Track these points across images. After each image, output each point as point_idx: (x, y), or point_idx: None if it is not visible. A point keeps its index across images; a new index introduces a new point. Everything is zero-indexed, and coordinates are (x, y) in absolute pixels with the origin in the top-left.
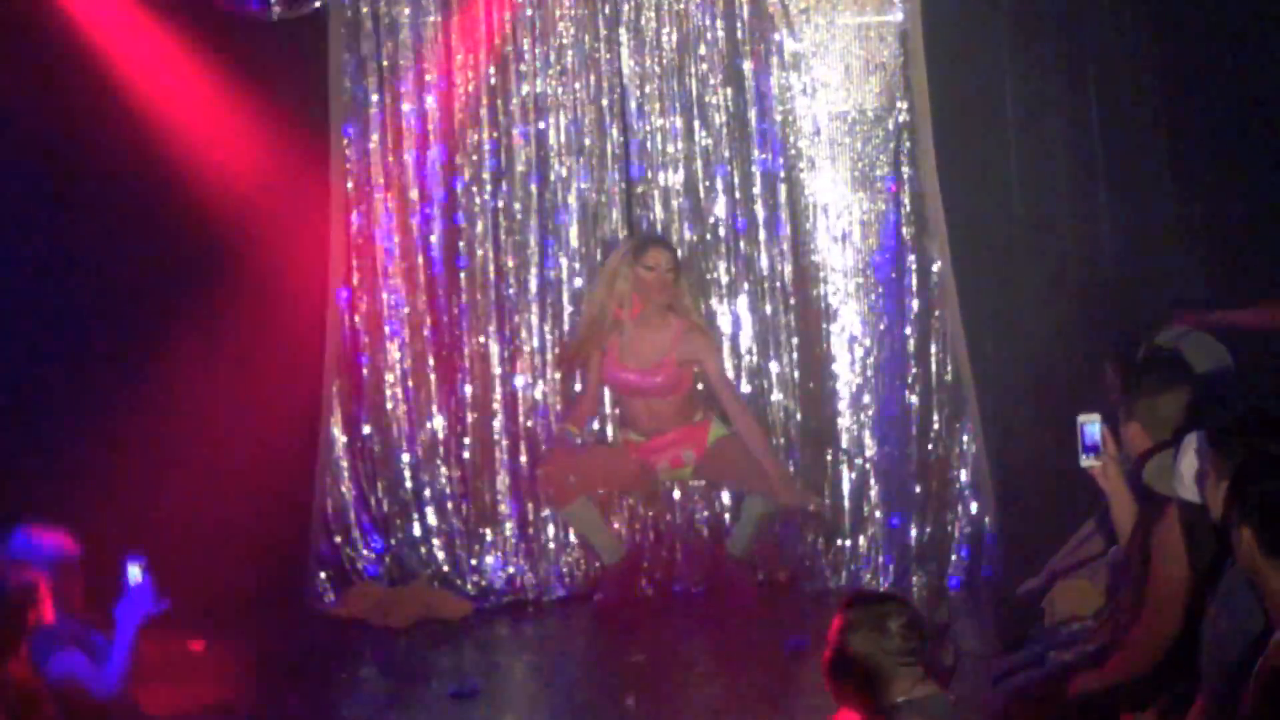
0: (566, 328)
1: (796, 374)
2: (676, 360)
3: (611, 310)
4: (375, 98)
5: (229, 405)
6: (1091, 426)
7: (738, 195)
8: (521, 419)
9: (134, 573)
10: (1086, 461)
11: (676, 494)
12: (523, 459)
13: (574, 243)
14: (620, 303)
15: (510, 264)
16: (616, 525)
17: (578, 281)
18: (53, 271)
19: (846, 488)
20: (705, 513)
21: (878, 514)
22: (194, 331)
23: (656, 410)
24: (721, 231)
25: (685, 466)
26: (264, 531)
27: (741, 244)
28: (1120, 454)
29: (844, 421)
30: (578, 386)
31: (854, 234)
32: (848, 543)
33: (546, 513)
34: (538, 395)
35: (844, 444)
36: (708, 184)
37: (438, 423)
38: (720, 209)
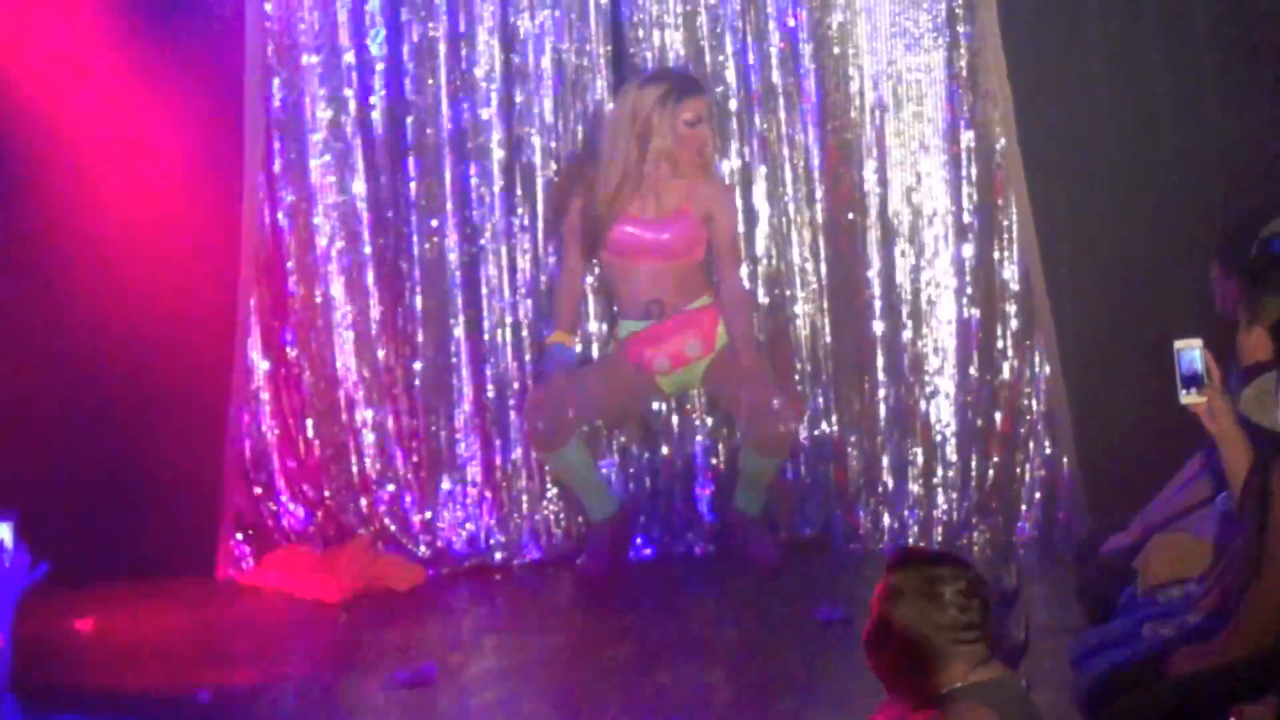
0: (540, 221)
1: (825, 281)
2: (694, 211)
3: (646, 172)
4: None
5: (119, 324)
6: (1191, 354)
7: (751, 58)
8: (486, 336)
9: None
10: (1187, 397)
11: (675, 419)
12: (489, 389)
13: (548, 117)
14: (659, 162)
15: (470, 145)
16: (605, 471)
17: (553, 166)
18: None
19: (889, 421)
20: (712, 458)
21: (925, 454)
22: (73, 233)
23: (661, 278)
24: (732, 104)
25: (692, 364)
26: (166, 482)
27: (757, 119)
28: (1236, 373)
29: (884, 339)
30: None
31: (896, 104)
32: (890, 489)
33: (517, 456)
34: (506, 306)
35: (883, 367)
36: (714, 43)
37: (381, 344)
38: (730, 75)
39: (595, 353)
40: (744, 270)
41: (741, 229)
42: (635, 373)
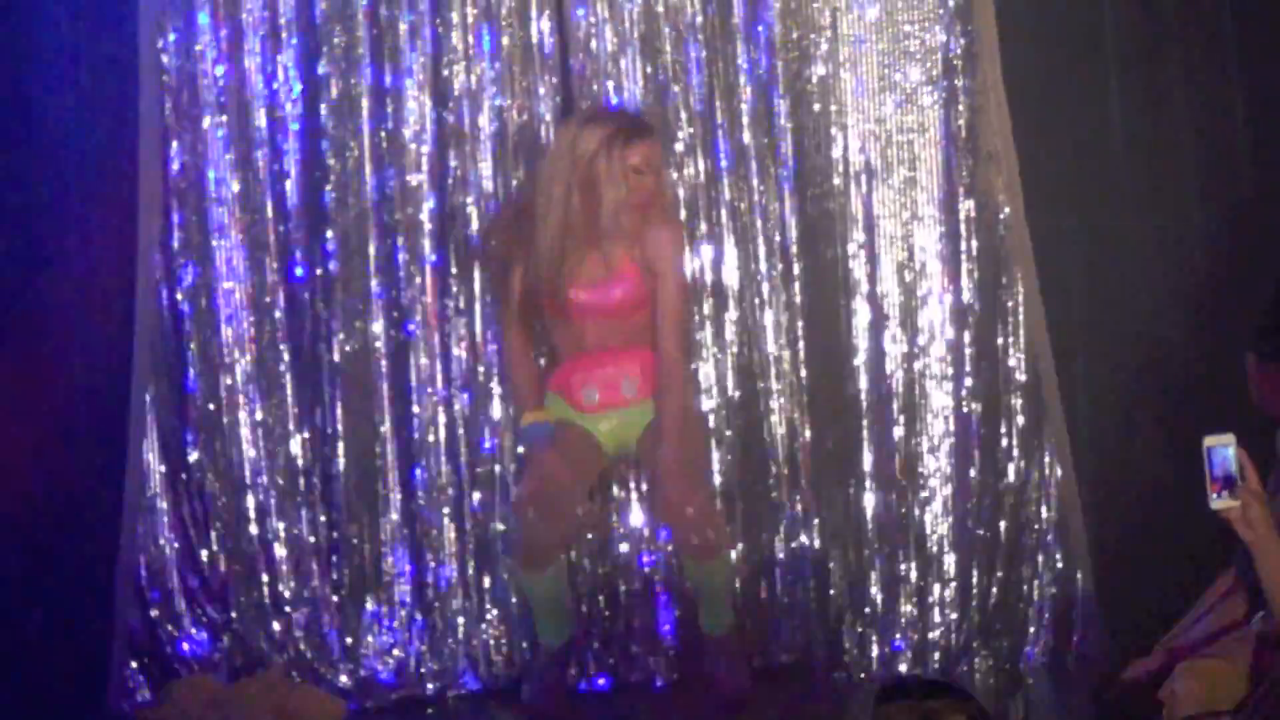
0: (479, 297)
1: (804, 372)
2: (640, 264)
3: (602, 228)
4: None
5: None
6: (1224, 452)
7: (719, 116)
8: (416, 435)
9: None
10: (1219, 502)
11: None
12: (420, 495)
13: (486, 184)
14: (607, 214)
15: (398, 216)
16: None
17: (493, 241)
18: None
19: (877, 532)
20: (676, 574)
21: (919, 569)
22: None
23: (611, 329)
24: (696, 167)
25: (629, 408)
26: (50, 601)
27: (725, 186)
28: (1275, 473)
29: (872, 438)
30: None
31: (886, 169)
32: (879, 609)
33: (453, 572)
34: (440, 399)
35: (871, 470)
36: (676, 100)
37: (296, 444)
38: (694, 135)
39: None
40: (709, 348)
41: (709, 311)
42: (580, 437)
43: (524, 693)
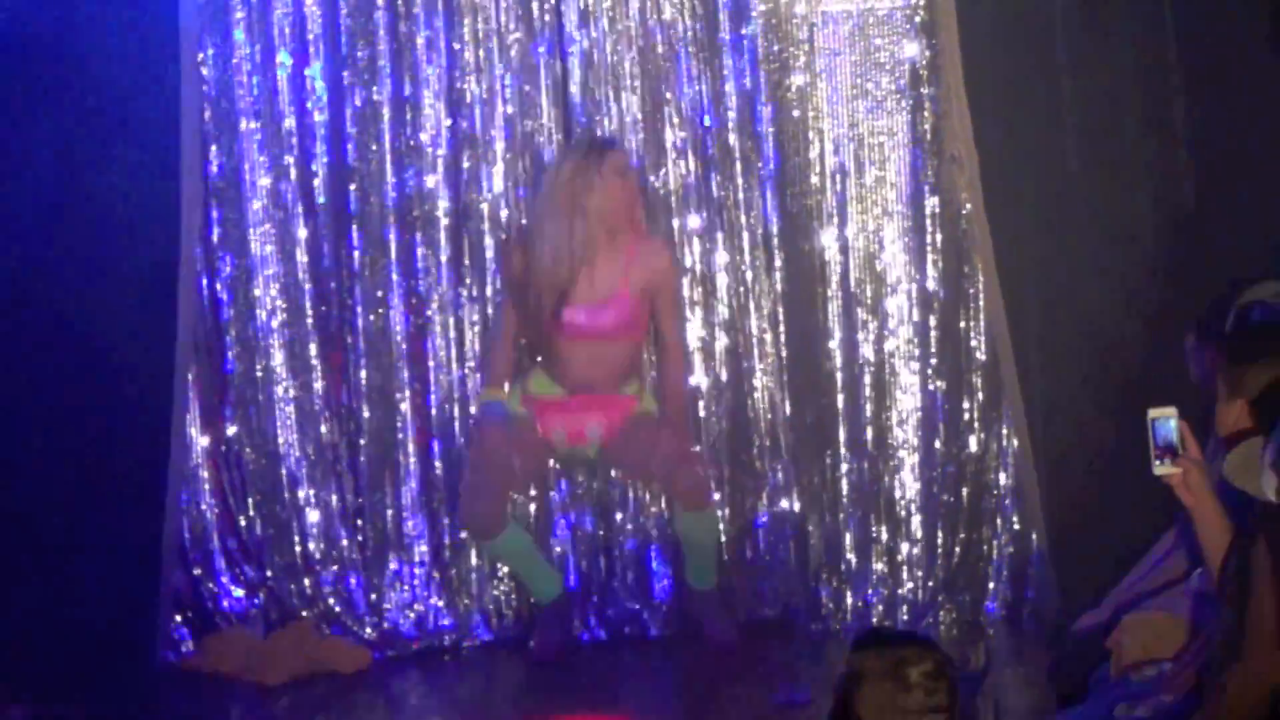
0: (489, 290)
1: (784, 352)
2: (632, 288)
3: (591, 240)
4: None
5: (52, 399)
6: (1166, 423)
7: (707, 120)
8: (434, 411)
9: None
10: (1161, 468)
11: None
12: (437, 465)
13: (497, 184)
14: (598, 227)
15: (416, 213)
16: (557, 549)
17: (501, 235)
18: None
19: (851, 498)
20: (668, 535)
21: (889, 530)
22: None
23: (599, 358)
24: (687, 166)
25: (588, 444)
26: (99, 563)
27: (713, 183)
28: (1213, 444)
29: (846, 412)
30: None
31: (858, 169)
32: (853, 567)
33: (466, 535)
34: (454, 379)
35: (845, 441)
36: (667, 105)
37: (325, 419)
38: (683, 138)
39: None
40: (698, 331)
41: (698, 295)
42: (537, 439)
43: (532, 643)
